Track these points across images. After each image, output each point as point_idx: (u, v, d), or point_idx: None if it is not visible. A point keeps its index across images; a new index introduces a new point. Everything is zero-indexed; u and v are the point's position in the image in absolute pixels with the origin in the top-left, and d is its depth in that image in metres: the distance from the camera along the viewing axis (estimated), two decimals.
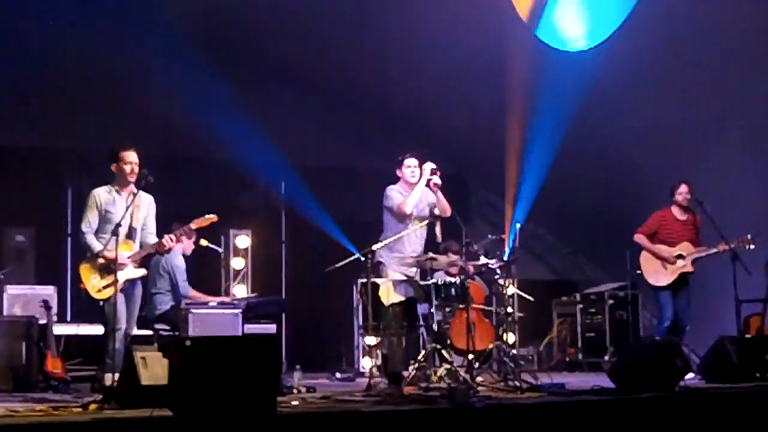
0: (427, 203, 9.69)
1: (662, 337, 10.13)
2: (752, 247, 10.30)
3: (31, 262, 11.86)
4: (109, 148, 8.49)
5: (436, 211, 9.64)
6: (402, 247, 9.51)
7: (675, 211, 10.71)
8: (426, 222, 9.62)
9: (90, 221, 8.39)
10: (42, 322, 10.19)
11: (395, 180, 9.78)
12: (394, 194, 9.63)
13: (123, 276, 8.21)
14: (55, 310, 10.65)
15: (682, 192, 10.62)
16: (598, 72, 11.78)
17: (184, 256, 10.23)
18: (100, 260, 8.26)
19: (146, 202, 8.54)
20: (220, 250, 11.91)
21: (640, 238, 10.70)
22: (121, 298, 8.21)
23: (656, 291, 10.65)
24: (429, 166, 9.55)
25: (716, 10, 10.89)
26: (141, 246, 8.48)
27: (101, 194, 8.43)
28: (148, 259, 8.97)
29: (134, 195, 8.35)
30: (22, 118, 12.29)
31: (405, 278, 9.39)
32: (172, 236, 8.49)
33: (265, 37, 12.33)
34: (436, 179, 9.51)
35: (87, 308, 8.81)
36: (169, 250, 8.74)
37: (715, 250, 10.44)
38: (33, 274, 11.77)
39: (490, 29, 11.93)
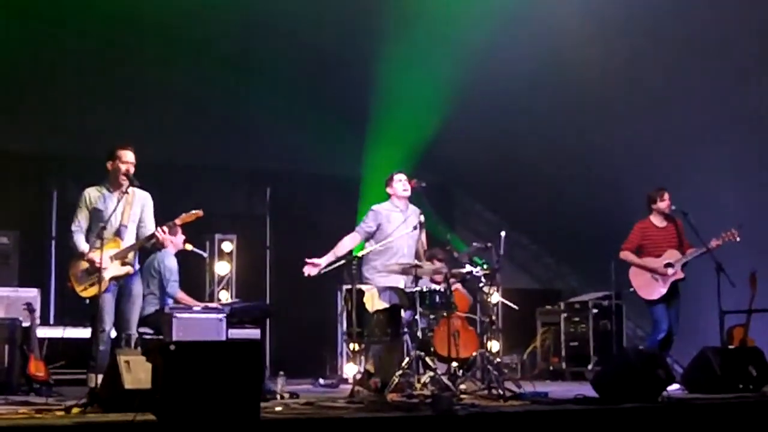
0: (416, 216, 9.57)
1: (649, 347, 10.11)
2: (738, 239, 10.16)
3: (15, 265, 11.79)
4: (110, 146, 8.47)
5: (422, 218, 9.54)
6: (384, 260, 9.44)
7: (655, 220, 10.52)
8: (403, 234, 9.50)
9: (79, 220, 8.42)
10: (25, 324, 10.19)
11: (380, 192, 9.73)
12: (365, 220, 9.62)
13: (107, 275, 8.19)
14: (38, 312, 10.62)
15: (666, 199, 10.45)
16: (579, 83, 11.82)
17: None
18: (83, 262, 8.27)
19: (140, 199, 8.51)
20: (205, 254, 11.87)
21: (626, 255, 10.46)
22: (108, 299, 8.19)
23: (651, 305, 10.38)
24: None
25: (699, 19, 10.93)
26: (136, 239, 8.45)
27: (91, 193, 8.46)
28: (141, 258, 8.92)
29: (125, 194, 8.35)
30: (7, 121, 12.24)
31: (390, 286, 9.37)
32: (164, 228, 8.43)
33: (250, 43, 12.29)
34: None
35: (70, 311, 8.76)
36: (163, 245, 8.68)
37: (703, 250, 10.25)
38: (16, 277, 11.71)
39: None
